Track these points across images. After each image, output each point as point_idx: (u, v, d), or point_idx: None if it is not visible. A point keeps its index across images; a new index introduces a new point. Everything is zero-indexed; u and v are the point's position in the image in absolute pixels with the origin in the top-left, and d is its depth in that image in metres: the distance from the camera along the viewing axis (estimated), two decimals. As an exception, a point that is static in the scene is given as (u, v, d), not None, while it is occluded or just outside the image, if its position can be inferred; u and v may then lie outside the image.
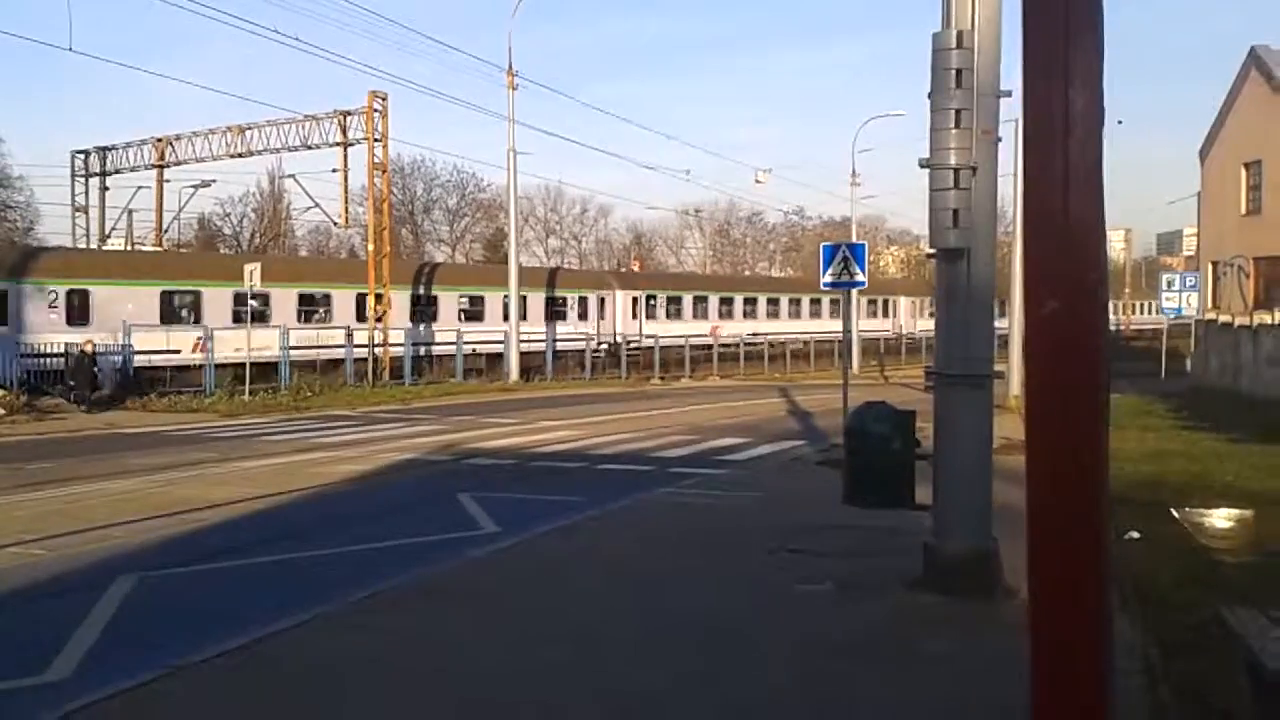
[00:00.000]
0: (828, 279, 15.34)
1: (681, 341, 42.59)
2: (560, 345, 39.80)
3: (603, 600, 7.36)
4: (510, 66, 33.76)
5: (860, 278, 15.31)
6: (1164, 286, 35.45)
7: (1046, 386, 1.77)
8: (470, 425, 21.49)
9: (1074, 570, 1.70)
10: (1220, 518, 8.90)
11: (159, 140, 37.59)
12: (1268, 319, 28.02)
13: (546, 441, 18.52)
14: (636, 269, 69.13)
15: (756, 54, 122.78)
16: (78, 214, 39.04)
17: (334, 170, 33.89)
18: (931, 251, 7.65)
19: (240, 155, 35.83)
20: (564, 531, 9.92)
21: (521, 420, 22.57)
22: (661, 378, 39.91)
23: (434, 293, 37.14)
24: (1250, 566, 7.69)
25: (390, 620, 6.81)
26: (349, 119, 32.87)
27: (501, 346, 35.43)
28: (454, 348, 35.19)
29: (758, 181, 48.08)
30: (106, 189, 39.35)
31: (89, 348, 24.83)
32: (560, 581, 7.91)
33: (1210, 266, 36.84)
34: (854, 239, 34.76)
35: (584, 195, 78.09)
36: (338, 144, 33.25)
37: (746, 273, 79.73)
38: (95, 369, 24.53)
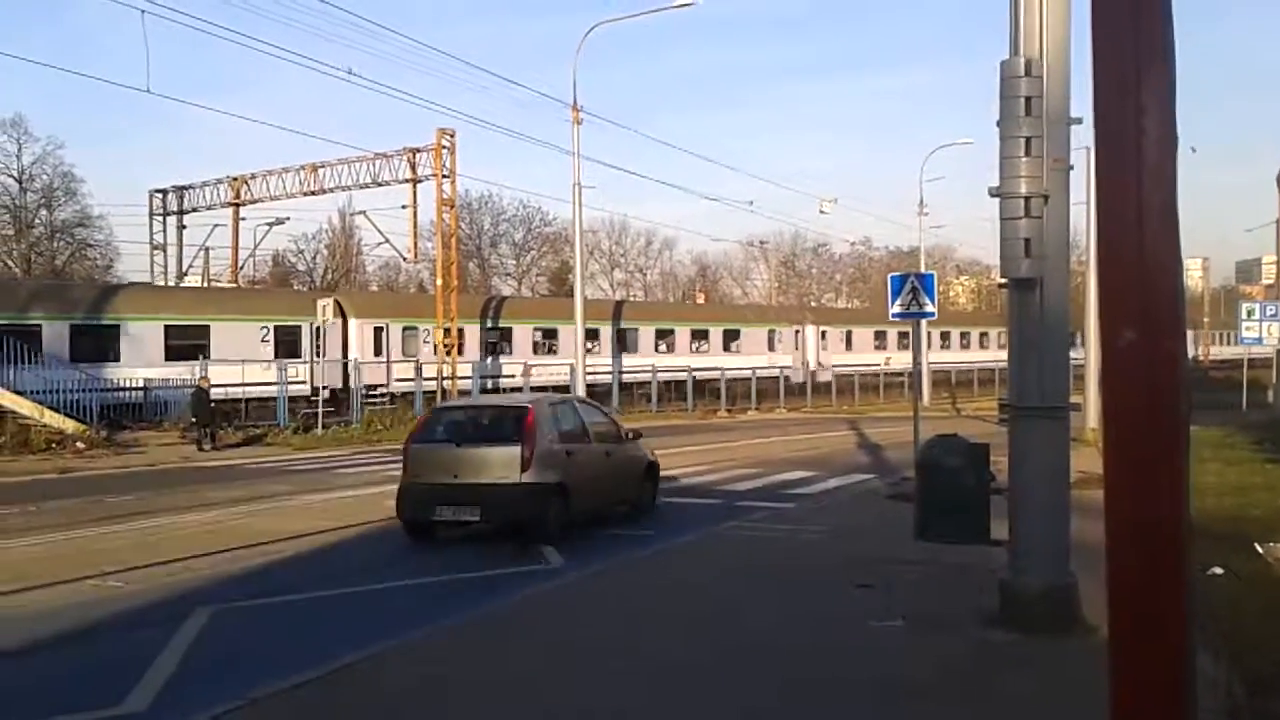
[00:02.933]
0: (896, 309, 15.20)
1: (749, 374, 42.49)
2: (626, 378, 39.93)
3: (670, 637, 7.30)
4: (575, 101, 34.11)
5: (930, 308, 15.16)
6: (1243, 316, 34.41)
7: (1125, 419, 1.73)
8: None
9: (1155, 606, 1.66)
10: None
11: (234, 179, 38.68)
12: (1356, 347, 27.09)
13: (613, 474, 18.49)
14: (701, 301, 69.24)
15: (820, 82, 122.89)
16: (156, 251, 40.27)
17: (403, 206, 34.63)
18: (1003, 281, 7.53)
19: (313, 193, 36.73)
20: (630, 565, 9.90)
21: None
22: (729, 410, 39.78)
23: (505, 325, 37.57)
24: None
25: (459, 653, 6.84)
26: (418, 156, 33.52)
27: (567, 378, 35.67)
28: (523, 380, 35.48)
29: (822, 211, 47.84)
30: (184, 227, 40.56)
31: (205, 384, 24.54)
32: (626, 616, 7.89)
33: (1294, 294, 35.74)
34: (922, 269, 34.38)
35: (648, 228, 78.49)
36: (407, 180, 33.91)
37: (813, 304, 79.31)
38: (211, 404, 24.00)
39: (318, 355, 30.04)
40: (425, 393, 32.57)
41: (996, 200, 7.20)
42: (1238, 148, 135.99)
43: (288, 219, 42.80)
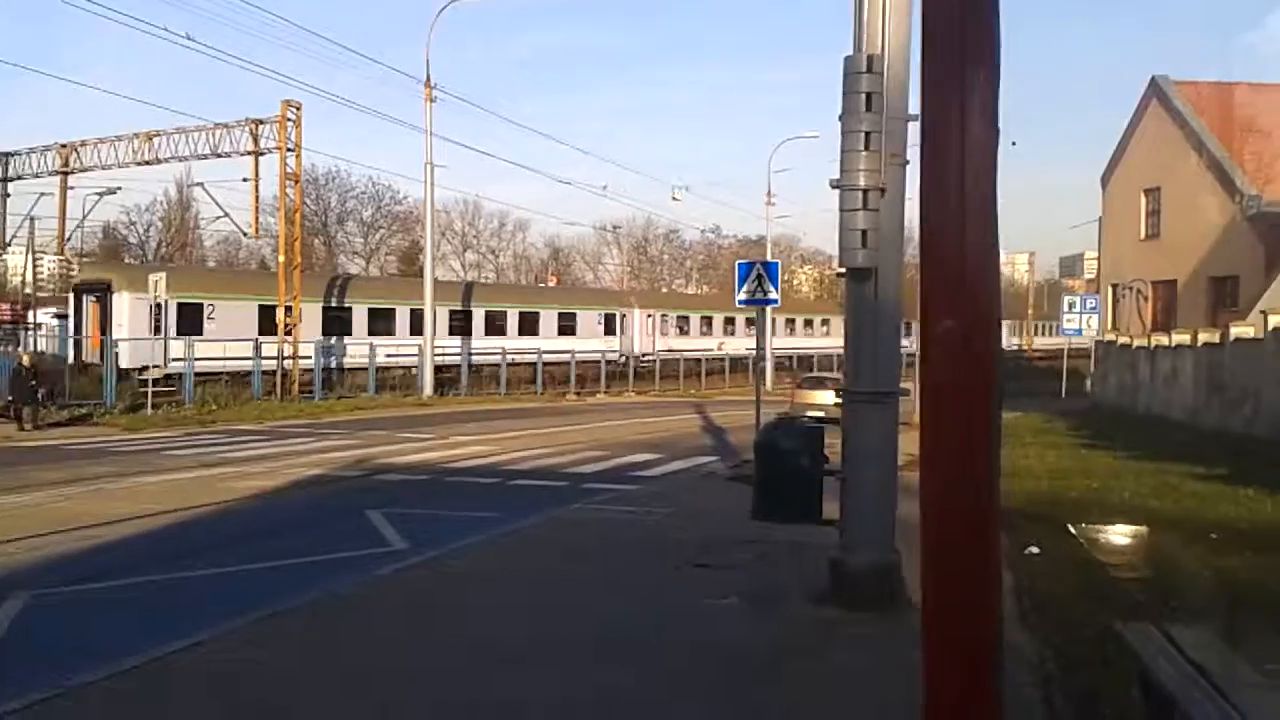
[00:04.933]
0: (742, 296, 15.54)
1: (598, 357, 42.65)
2: (476, 359, 39.51)
3: (509, 617, 7.29)
4: (428, 79, 33.56)
5: (774, 295, 15.54)
6: (1065, 308, 36.58)
7: (941, 403, 1.80)
8: (382, 440, 21.18)
9: (966, 583, 1.74)
10: (1115, 534, 9.19)
11: (63, 146, 36.38)
12: (1164, 341, 29.07)
13: (460, 457, 18.34)
14: (554, 284, 69.08)
15: (675, 70, 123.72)
16: (-24, 220, 37.54)
17: (245, 180, 33.27)
18: (841, 270, 7.78)
19: (147, 163, 34.83)
20: (474, 548, 9.82)
21: (435, 435, 22.32)
22: (577, 393, 39.85)
23: (346, 304, 36.59)
24: (1143, 582, 7.95)
25: (289, 640, 6.65)
26: (261, 128, 32.27)
27: (415, 360, 35.10)
28: (367, 360, 34.69)
29: (674, 199, 48.56)
30: (7, 195, 37.94)
31: (27, 360, 23.38)
32: (466, 599, 7.83)
33: (1110, 289, 38.17)
34: (769, 257, 35.17)
35: (502, 209, 77.83)
36: (249, 153, 32.61)
37: (664, 289, 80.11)
38: (34, 383, 22.69)
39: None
40: (264, 373, 31.43)
41: (838, 192, 7.42)
42: (1066, 149, 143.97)
43: (119, 189, 40.52)
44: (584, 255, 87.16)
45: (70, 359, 30.79)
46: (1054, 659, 6.05)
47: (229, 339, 31.24)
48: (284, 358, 31.59)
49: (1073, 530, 9.39)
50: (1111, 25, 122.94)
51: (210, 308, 32.29)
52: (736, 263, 16.19)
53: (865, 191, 7.19)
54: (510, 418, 28.13)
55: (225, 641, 6.53)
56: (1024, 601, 7.34)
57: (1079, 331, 35.38)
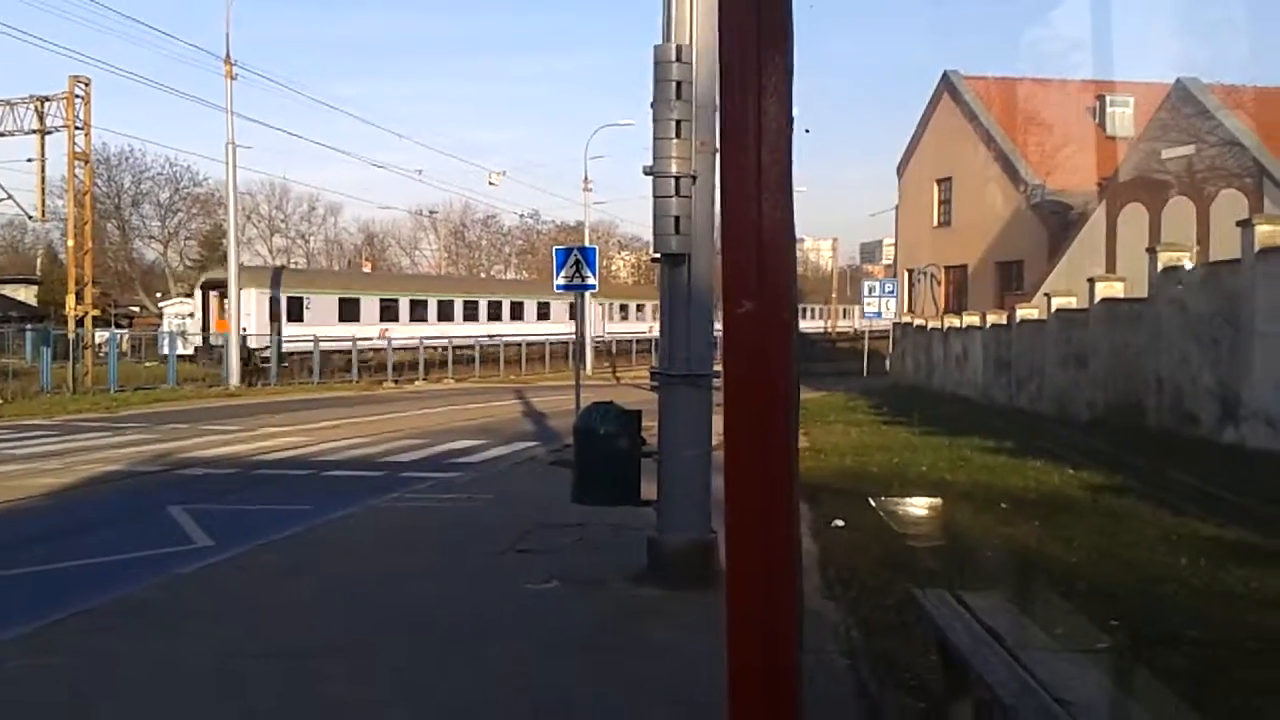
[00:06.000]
0: (560, 282, 15.57)
1: (415, 343, 41.86)
2: (289, 346, 38.11)
3: (322, 611, 7.08)
4: (228, 55, 32.11)
5: (591, 280, 15.64)
6: (865, 292, 38.35)
7: (741, 383, 1.85)
8: (185, 433, 20.18)
9: (766, 554, 1.79)
10: (914, 505, 9.70)
11: None
12: (956, 322, 30.80)
13: (270, 449, 17.67)
14: (368, 270, 67.28)
15: (491, 56, 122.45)
16: None
17: (29, 160, 31.03)
18: (656, 256, 7.89)
19: (-81, 141, 32.02)
20: (284, 542, 9.48)
21: (243, 427, 21.44)
22: (395, 381, 39.04)
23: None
24: (939, 550, 8.42)
25: (79, 643, 6.26)
26: (47, 105, 30.16)
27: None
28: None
29: (491, 183, 48.21)
30: None
31: None
32: (276, 595, 7.56)
33: (906, 274, 40.22)
34: (587, 243, 35.35)
35: (311, 193, 75.26)
36: (34, 131, 30.46)
37: (482, 275, 79.30)
38: None
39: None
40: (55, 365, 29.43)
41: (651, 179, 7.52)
42: (867, 141, 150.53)
43: (-115, 166, 36.96)
44: (400, 240, 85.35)
45: None
46: (858, 627, 6.33)
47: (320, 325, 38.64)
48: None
49: (872, 503, 9.85)
50: (906, 21, 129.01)
51: (308, 300, 40.29)
52: (554, 249, 16.21)
53: (677, 179, 7.31)
54: (324, 407, 27.31)
55: (4, 648, 6.09)
56: (829, 572, 7.66)
57: (879, 314, 37.14)
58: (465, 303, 48.68)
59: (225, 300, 36.29)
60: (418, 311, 45.56)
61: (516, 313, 51.46)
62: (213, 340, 37.79)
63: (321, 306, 40.93)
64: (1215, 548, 8.21)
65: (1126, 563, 7.80)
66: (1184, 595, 6.80)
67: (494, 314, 49.87)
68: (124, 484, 13.84)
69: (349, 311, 42.02)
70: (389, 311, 43.97)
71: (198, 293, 41.93)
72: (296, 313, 39.83)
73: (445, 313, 47.06)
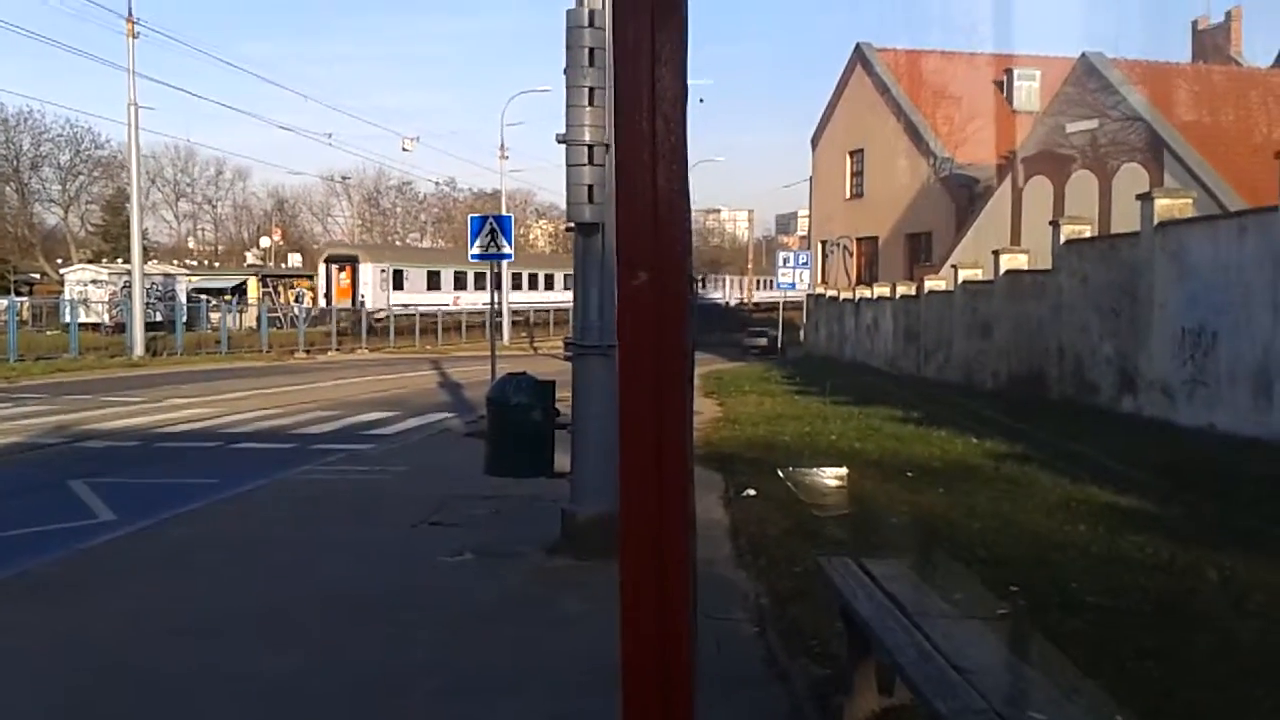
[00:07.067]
0: (475, 251, 15.42)
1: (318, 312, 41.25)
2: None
3: (232, 585, 6.95)
4: (130, 12, 30.97)
5: (507, 250, 15.52)
6: (780, 263, 38.63)
7: (635, 354, 1.85)
8: (87, 404, 19.56)
9: (660, 526, 1.79)
10: (823, 475, 9.84)
11: None
12: (867, 294, 31.29)
13: (176, 420, 17.24)
14: (279, 238, 65.77)
15: (402, 15, 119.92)
16: None
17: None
18: (570, 225, 7.84)
19: None
20: (190, 516, 9.27)
21: (147, 398, 20.85)
22: (307, 351, 38.32)
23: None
24: (846, 519, 8.57)
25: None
26: (-69, 59, 28.76)
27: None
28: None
29: (404, 149, 47.64)
30: None
31: None
32: (183, 569, 7.39)
33: (820, 245, 40.67)
34: (503, 211, 35.00)
35: (219, 157, 73.17)
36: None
37: (397, 243, 78.04)
38: None
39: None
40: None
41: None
42: (783, 112, 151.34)
43: None
44: (311, 206, 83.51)
45: None
46: (767, 595, 6.43)
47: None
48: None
49: (780, 474, 9.98)
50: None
51: (407, 273, 48.13)
52: (469, 217, 16.02)
53: (590, 147, 7.26)
54: (233, 377, 26.71)
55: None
56: (740, 541, 7.75)
57: (793, 285, 37.51)
58: (379, 270, 48.05)
59: (343, 273, 46.71)
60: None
61: (433, 282, 50.91)
62: (336, 306, 45.09)
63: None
64: (1112, 515, 8.50)
65: (1027, 530, 8.02)
66: (1083, 562, 7.02)
67: (397, 284, 49.78)
68: (23, 457, 13.38)
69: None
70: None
71: (321, 266, 49.48)
72: (399, 283, 47.76)
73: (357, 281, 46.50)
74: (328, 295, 47.35)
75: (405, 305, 46.33)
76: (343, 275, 47.45)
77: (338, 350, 39.59)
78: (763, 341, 39.94)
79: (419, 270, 50.02)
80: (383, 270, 47.48)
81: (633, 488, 1.82)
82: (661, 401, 1.84)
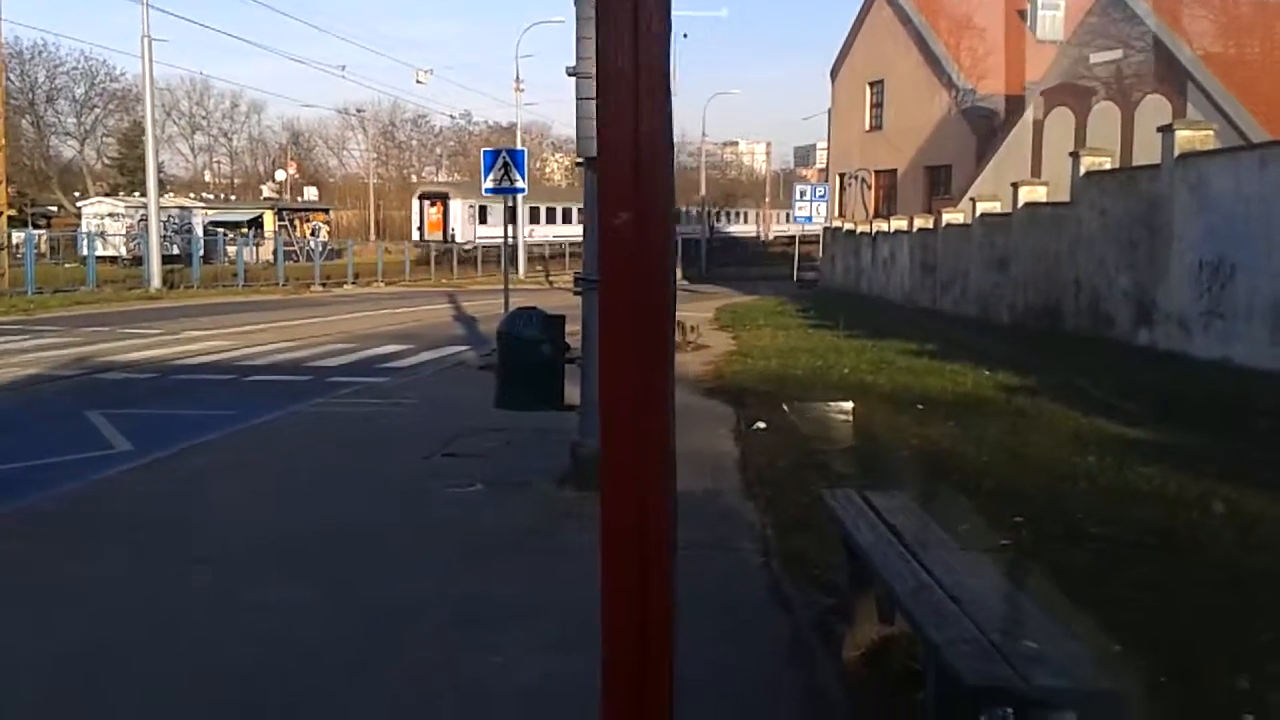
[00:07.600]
0: (489, 185, 15.34)
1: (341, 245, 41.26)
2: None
3: (246, 515, 7.06)
4: (140, -60, 30.55)
5: (520, 184, 15.43)
6: (797, 196, 38.27)
7: (618, 293, 1.86)
8: (105, 336, 19.73)
9: (640, 465, 1.82)
10: (834, 409, 9.87)
11: None
12: (885, 227, 31.03)
13: (192, 353, 17.39)
14: (294, 171, 65.58)
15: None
16: None
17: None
18: (580, 160, 7.79)
19: None
20: (206, 447, 9.40)
21: (165, 331, 21.02)
22: (324, 284, 38.42)
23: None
24: (854, 451, 8.62)
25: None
26: (-56, -9, 28.55)
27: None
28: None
29: (419, 82, 47.18)
30: None
31: None
32: (200, 500, 7.51)
33: (838, 178, 40.24)
34: (518, 145, 34.73)
35: (234, 90, 72.71)
36: (-68, 19, 28.85)
37: (413, 177, 77.71)
38: None
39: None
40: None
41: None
42: (801, 42, 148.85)
43: None
44: (326, 140, 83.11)
45: None
46: (772, 525, 6.50)
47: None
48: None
49: (786, 408, 10.02)
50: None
51: (487, 208, 50.25)
52: (483, 151, 15.93)
53: (599, 79, 7.16)
54: (249, 310, 26.85)
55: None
56: (749, 474, 7.82)
57: (809, 219, 37.22)
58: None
59: (434, 208, 50.87)
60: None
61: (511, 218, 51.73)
62: (428, 237, 50.07)
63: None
64: (1121, 446, 8.51)
65: (1035, 462, 8.05)
66: (1090, 493, 7.06)
67: (482, 219, 51.67)
68: (41, 389, 13.54)
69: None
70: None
71: (414, 201, 53.51)
72: (483, 217, 51.01)
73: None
74: (420, 229, 51.45)
75: (489, 238, 49.19)
76: (434, 210, 51.23)
77: (354, 284, 39.64)
78: (811, 275, 40.81)
79: (497, 206, 50.42)
80: (470, 206, 50.41)
81: (612, 424, 1.84)
82: (643, 339, 1.85)
